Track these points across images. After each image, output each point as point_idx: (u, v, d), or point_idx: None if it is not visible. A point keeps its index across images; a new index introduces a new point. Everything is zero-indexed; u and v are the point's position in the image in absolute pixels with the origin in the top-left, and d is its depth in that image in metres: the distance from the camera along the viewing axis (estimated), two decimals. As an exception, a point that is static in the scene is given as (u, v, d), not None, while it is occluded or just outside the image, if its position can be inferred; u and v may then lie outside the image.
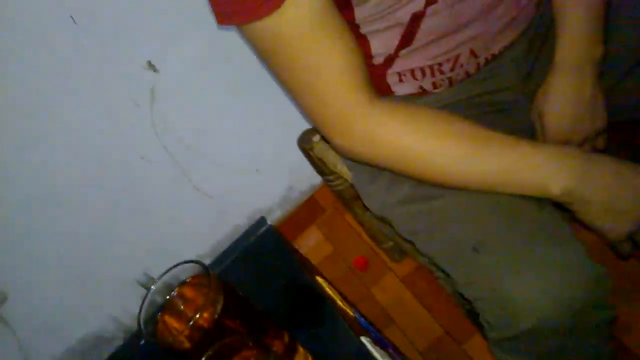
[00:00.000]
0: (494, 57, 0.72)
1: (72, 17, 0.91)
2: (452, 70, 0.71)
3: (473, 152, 0.60)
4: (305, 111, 0.66)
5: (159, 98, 1.07)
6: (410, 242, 0.71)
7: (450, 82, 0.73)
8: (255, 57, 0.91)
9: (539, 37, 0.75)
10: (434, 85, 0.73)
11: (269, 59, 0.63)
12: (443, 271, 0.65)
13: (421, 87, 0.73)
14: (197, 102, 1.13)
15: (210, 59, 1.10)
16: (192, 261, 0.65)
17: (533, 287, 0.53)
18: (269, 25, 0.58)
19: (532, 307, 0.53)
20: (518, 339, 0.56)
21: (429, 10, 0.64)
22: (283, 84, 0.65)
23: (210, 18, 0.64)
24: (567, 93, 0.70)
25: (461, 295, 0.62)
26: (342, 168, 0.93)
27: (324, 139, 0.90)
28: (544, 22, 0.74)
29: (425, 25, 0.66)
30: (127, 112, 1.05)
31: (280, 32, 0.58)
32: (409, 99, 0.74)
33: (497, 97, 0.73)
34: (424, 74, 0.72)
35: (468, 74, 0.73)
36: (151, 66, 1.03)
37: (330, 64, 0.60)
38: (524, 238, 0.57)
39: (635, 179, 0.58)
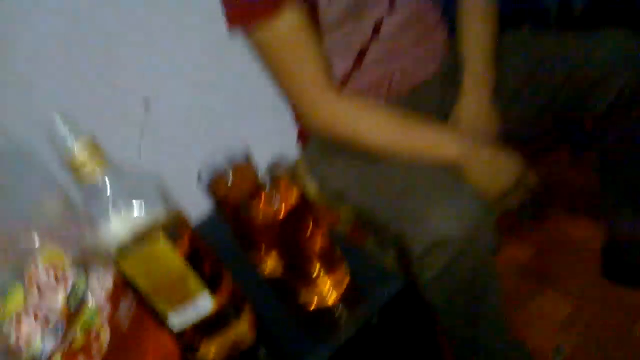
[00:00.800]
0: (418, 84, 1.02)
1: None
2: (388, 88, 1.01)
3: (404, 132, 0.89)
4: (288, 95, 0.93)
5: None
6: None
7: (386, 99, 1.01)
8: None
9: (452, 72, 1.02)
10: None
11: (265, 57, 0.89)
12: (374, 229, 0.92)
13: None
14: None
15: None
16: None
17: (445, 213, 0.77)
18: (272, 26, 0.84)
19: (444, 226, 0.76)
20: (432, 251, 0.77)
21: (373, 42, 0.95)
22: (274, 75, 0.91)
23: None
24: (470, 108, 0.99)
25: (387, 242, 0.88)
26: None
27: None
28: (456, 60, 1.02)
29: (370, 53, 0.96)
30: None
31: (278, 32, 0.85)
32: None
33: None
34: (369, 91, 1.00)
35: (399, 96, 1.01)
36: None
37: (307, 62, 0.87)
38: (436, 185, 0.82)
39: (506, 161, 0.89)
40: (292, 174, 0.68)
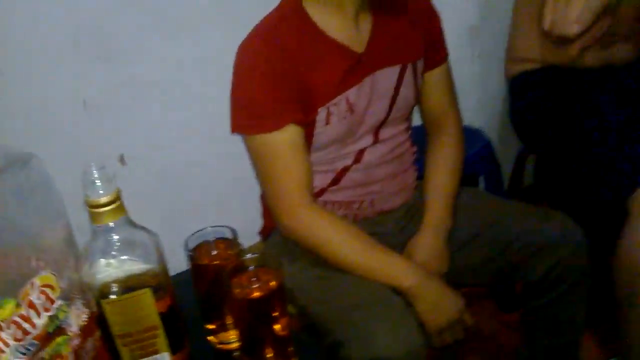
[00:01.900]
0: (385, 211, 1.15)
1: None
2: (357, 209, 1.13)
3: (365, 252, 1.00)
4: (268, 197, 1.04)
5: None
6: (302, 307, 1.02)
7: (354, 217, 1.13)
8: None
9: (415, 207, 1.17)
10: (344, 216, 1.12)
11: (258, 159, 1.02)
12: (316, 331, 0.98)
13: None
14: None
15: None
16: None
17: (389, 334, 0.87)
18: (269, 138, 0.97)
19: (386, 346, 0.85)
20: None
21: (354, 167, 1.08)
22: (262, 176, 1.03)
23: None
24: (426, 244, 1.10)
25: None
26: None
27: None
28: (419, 199, 1.17)
29: (349, 176, 1.09)
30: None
31: (275, 145, 0.98)
32: None
33: (380, 238, 1.04)
34: (340, 206, 1.12)
35: (366, 217, 1.13)
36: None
37: (294, 172, 0.99)
38: (385, 305, 0.93)
39: (452, 298, 1.01)
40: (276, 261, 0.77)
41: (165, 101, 1.36)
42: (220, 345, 0.86)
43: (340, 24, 1.01)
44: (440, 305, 0.99)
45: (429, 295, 0.99)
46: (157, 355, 0.72)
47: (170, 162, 1.42)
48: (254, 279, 0.76)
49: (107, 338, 0.71)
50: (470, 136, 1.62)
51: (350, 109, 1.02)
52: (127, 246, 0.70)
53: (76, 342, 0.69)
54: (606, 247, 1.19)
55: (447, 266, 1.11)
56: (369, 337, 0.87)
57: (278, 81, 0.96)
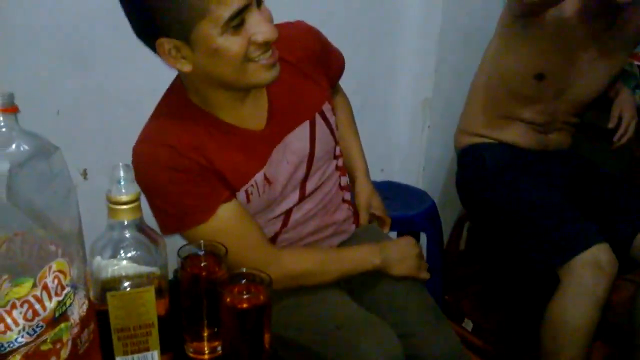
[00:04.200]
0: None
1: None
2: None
3: (338, 261, 1.11)
4: (243, 263, 0.93)
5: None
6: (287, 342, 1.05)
7: None
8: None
9: (355, 240, 1.24)
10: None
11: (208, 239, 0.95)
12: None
13: None
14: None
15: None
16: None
17: (372, 343, 0.96)
18: (209, 226, 0.97)
19: (373, 353, 0.94)
20: None
21: (283, 230, 1.12)
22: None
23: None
24: (365, 186, 1.30)
25: None
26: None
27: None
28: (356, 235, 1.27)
29: (282, 237, 1.13)
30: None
31: (217, 227, 0.97)
32: None
33: None
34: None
35: None
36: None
37: (252, 236, 1.03)
38: (363, 322, 1.01)
39: (407, 245, 1.16)
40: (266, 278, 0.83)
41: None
42: (194, 355, 0.91)
43: (231, 107, 0.99)
44: (404, 254, 1.15)
45: (392, 255, 1.13)
46: (148, 353, 0.76)
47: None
48: (245, 291, 0.82)
49: (103, 331, 0.74)
50: (416, 196, 1.77)
51: (268, 182, 1.03)
52: (137, 245, 0.74)
53: (75, 330, 0.72)
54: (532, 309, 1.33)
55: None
56: (357, 351, 0.95)
57: (188, 179, 0.95)
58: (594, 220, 1.40)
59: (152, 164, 0.95)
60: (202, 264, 0.89)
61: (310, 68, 1.10)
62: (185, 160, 0.94)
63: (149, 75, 1.34)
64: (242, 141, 1.00)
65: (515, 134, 1.57)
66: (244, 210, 1.02)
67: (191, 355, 0.91)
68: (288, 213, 1.11)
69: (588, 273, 1.29)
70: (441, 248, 1.79)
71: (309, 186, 1.11)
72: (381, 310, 1.08)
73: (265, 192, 1.04)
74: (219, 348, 0.87)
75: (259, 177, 1.02)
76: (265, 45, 0.90)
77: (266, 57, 0.91)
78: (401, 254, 1.15)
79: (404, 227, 1.59)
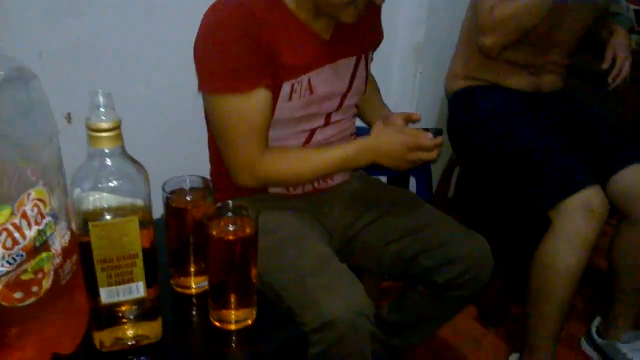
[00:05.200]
0: (323, 189, 1.22)
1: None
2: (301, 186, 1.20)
3: (317, 157, 1.10)
4: (226, 155, 1.07)
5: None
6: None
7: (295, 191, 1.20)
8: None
9: (357, 192, 1.26)
10: (288, 190, 1.19)
11: (223, 119, 1.03)
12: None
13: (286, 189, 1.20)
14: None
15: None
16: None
17: (336, 299, 0.93)
18: (240, 100, 1.00)
19: (334, 310, 0.91)
20: (321, 330, 0.91)
21: (319, 130, 1.15)
22: (220, 136, 1.06)
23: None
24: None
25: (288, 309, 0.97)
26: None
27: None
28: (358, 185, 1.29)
29: (316, 137, 1.15)
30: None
31: (242, 107, 1.01)
32: (278, 196, 1.19)
33: (324, 220, 1.20)
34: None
35: (306, 193, 1.20)
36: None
37: (256, 135, 1.04)
38: (332, 274, 0.99)
39: (395, 143, 1.08)
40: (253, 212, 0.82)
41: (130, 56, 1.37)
42: (180, 290, 0.90)
43: (310, 12, 1.06)
44: (393, 149, 1.08)
45: (381, 151, 1.09)
46: (133, 284, 0.75)
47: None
48: (232, 223, 0.81)
49: (86, 263, 0.73)
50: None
51: (311, 89, 1.08)
52: (119, 175, 0.72)
53: (57, 260, 0.70)
54: (522, 252, 1.32)
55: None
56: (320, 304, 0.92)
57: (250, 45, 0.98)
58: (587, 162, 1.40)
59: (226, 18, 0.98)
60: (188, 198, 0.88)
61: (378, 14, 1.23)
62: (257, 29, 0.98)
63: (145, 30, 1.34)
64: (309, 40, 1.07)
65: (507, 76, 1.55)
66: (270, 107, 1.05)
67: (178, 290, 0.90)
68: (312, 132, 1.15)
69: (579, 215, 1.28)
70: (430, 193, 1.78)
71: (335, 117, 1.17)
72: (409, 230, 1.18)
73: (305, 97, 1.09)
74: (205, 283, 0.86)
75: (305, 78, 1.07)
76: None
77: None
78: (391, 147, 1.09)
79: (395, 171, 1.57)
